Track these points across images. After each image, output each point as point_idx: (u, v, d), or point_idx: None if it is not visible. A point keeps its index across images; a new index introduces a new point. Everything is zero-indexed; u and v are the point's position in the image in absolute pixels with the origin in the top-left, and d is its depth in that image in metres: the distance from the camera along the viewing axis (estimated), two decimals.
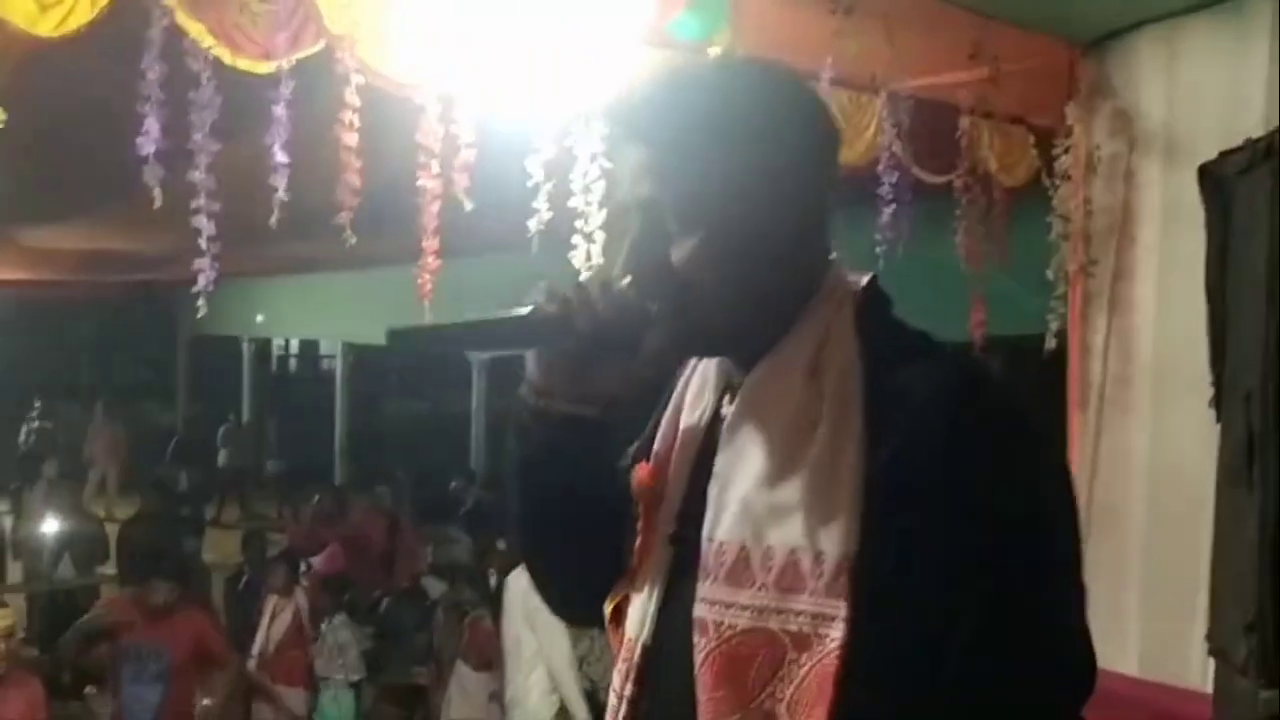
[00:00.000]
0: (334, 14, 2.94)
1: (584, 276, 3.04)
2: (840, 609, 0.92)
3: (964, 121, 3.72)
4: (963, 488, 0.91)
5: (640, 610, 1.07)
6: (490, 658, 5.80)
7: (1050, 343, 3.94)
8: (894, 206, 3.62)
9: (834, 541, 0.93)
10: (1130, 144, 3.81)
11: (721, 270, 1.00)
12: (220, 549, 9.06)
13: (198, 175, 2.49)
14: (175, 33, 2.57)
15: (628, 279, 1.03)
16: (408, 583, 7.23)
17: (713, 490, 1.01)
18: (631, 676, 1.06)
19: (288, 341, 21.01)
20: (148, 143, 2.37)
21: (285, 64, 2.89)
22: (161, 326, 14.33)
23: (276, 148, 2.51)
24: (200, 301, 2.57)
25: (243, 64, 2.87)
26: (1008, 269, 4.18)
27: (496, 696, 5.73)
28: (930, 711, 0.92)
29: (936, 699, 0.91)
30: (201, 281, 2.54)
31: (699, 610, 0.98)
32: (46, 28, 2.67)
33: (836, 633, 0.92)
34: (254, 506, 12.95)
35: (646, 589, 1.07)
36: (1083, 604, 0.97)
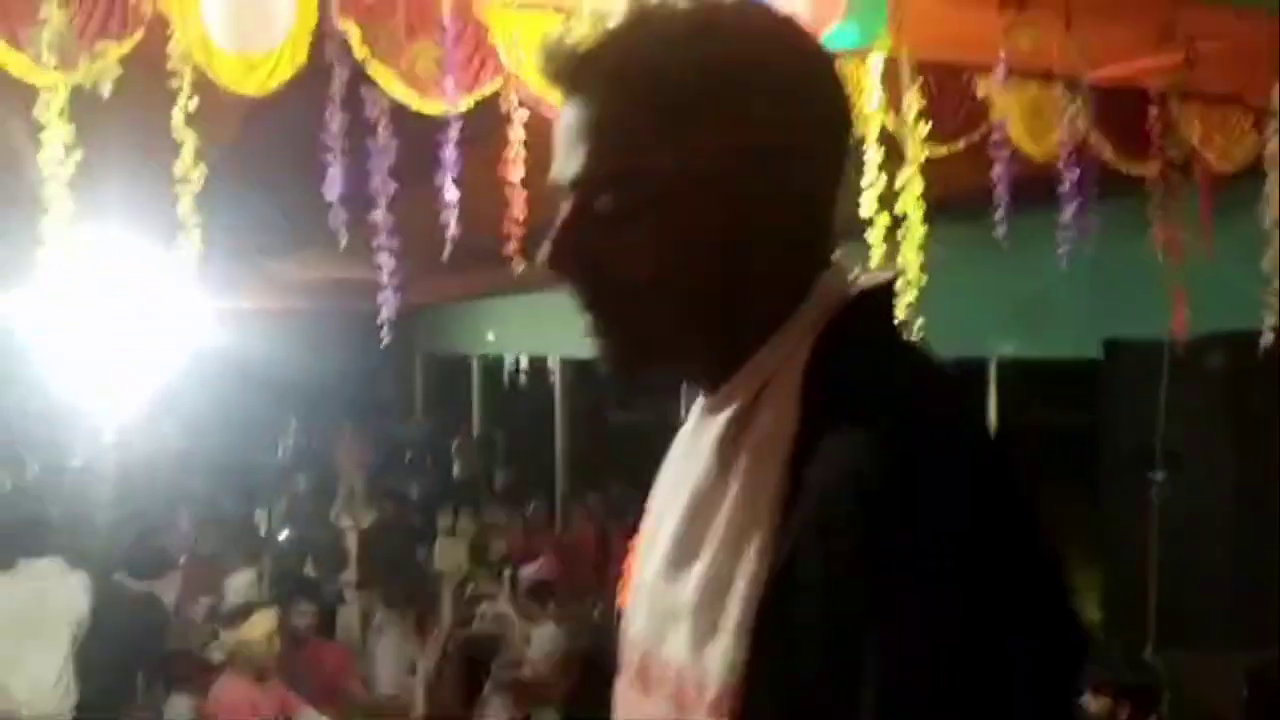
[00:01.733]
0: (509, 52, 3.11)
1: None
2: None
3: (1152, 111, 3.54)
4: (842, 619, 0.68)
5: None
6: None
7: (1267, 338, 3.67)
8: (1077, 202, 3.48)
9: (715, 665, 0.75)
10: None
11: (667, 274, 0.79)
12: (451, 557, 9.56)
13: (379, 215, 2.70)
14: (356, 85, 2.80)
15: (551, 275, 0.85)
16: (618, 591, 7.42)
17: (635, 564, 0.88)
18: None
19: (519, 358, 21.93)
20: (332, 189, 2.60)
21: (464, 105, 3.08)
22: (401, 346, 15.27)
23: (447, 185, 2.70)
24: (384, 332, 2.78)
25: (429, 108, 3.09)
26: (1217, 260, 3.92)
27: None
28: None
29: None
30: (385, 313, 2.75)
31: (618, 705, 0.85)
32: (252, 86, 2.96)
33: None
34: (486, 516, 13.57)
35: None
36: None
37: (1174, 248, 3.70)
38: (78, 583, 5.04)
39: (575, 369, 13.29)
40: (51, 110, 2.32)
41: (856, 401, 0.74)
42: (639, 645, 0.84)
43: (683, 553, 0.80)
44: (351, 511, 12.85)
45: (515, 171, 2.79)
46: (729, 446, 0.79)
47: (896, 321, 0.85)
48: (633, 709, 0.84)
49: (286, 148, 3.74)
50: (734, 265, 0.79)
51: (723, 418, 0.81)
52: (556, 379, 11.80)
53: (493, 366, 16.33)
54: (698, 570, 0.77)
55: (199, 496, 9.26)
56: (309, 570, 7.48)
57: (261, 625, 4.36)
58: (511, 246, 2.85)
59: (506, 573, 6.68)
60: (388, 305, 2.76)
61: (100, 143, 3.33)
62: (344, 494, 13.70)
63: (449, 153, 2.69)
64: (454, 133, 2.70)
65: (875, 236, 3.39)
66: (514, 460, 14.01)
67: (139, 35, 2.71)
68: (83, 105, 2.72)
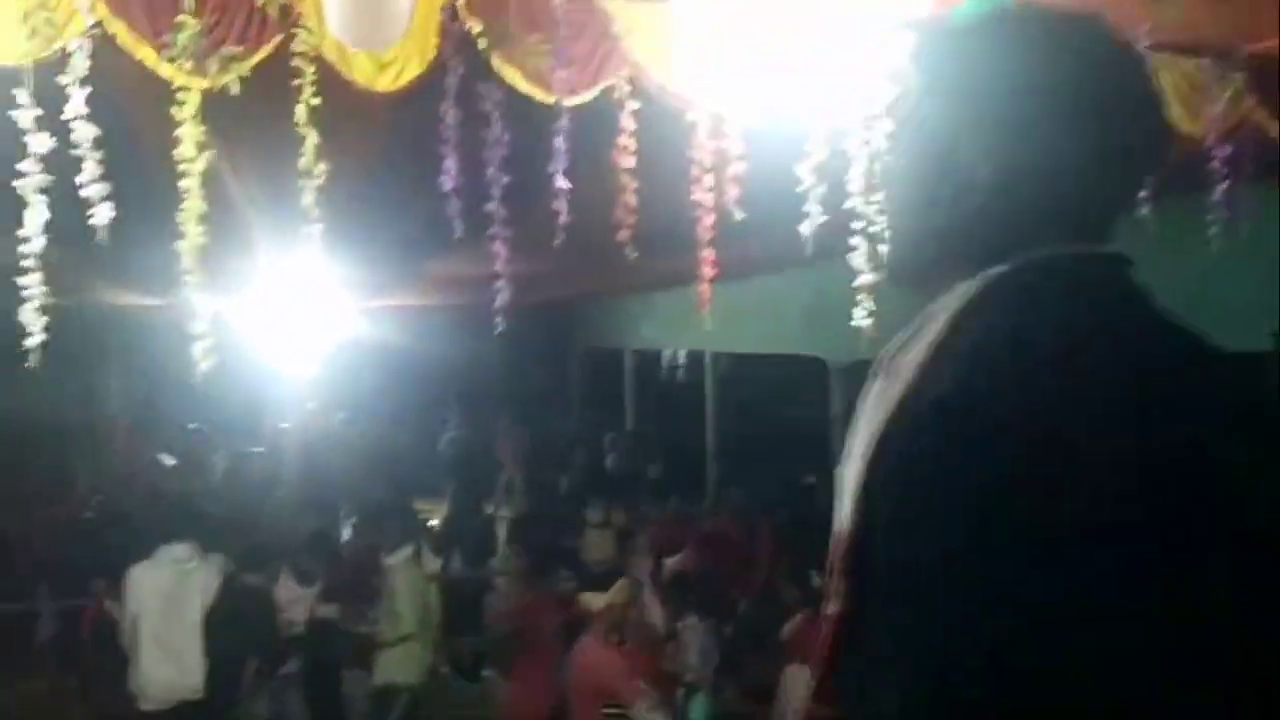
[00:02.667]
0: (633, 44, 3.13)
1: (862, 279, 3.04)
2: (841, 585, 0.96)
3: None
4: (897, 472, 0.90)
5: None
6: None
7: None
8: (1231, 182, 3.26)
9: (843, 519, 0.97)
10: None
11: (899, 208, 1.10)
12: (599, 548, 9.70)
13: (493, 206, 2.76)
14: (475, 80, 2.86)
15: None
16: (764, 586, 7.38)
17: None
18: None
19: (675, 353, 22.03)
20: (448, 180, 2.67)
21: (585, 95, 3.12)
22: (558, 341, 15.55)
23: (559, 176, 2.73)
24: (498, 319, 2.84)
25: (553, 99, 3.13)
26: None
27: None
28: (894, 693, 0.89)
29: (904, 684, 0.89)
30: (498, 301, 2.81)
31: None
32: (384, 83, 3.07)
33: (835, 608, 0.97)
34: (639, 509, 13.70)
35: None
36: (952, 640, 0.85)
37: None
38: (211, 569, 5.42)
39: (729, 363, 13.27)
40: (185, 110, 2.46)
41: (977, 334, 0.93)
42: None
43: (865, 439, 0.98)
44: (512, 503, 13.22)
45: (626, 160, 2.80)
46: (889, 366, 0.99)
47: (1079, 287, 0.96)
48: None
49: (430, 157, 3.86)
50: (946, 219, 1.00)
51: (893, 343, 1.01)
52: (707, 373, 11.80)
53: (648, 360, 16.49)
54: (862, 448, 0.98)
55: (361, 485, 9.66)
56: (456, 559, 7.71)
57: (623, 592, 4.63)
58: (623, 234, 2.86)
59: (650, 564, 6.72)
60: (501, 295, 2.82)
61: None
62: (502, 485, 14.09)
63: (559, 143, 2.73)
64: (565, 123, 2.74)
65: None
66: (667, 454, 14.07)
67: (276, 41, 2.84)
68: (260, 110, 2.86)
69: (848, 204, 2.90)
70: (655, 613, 6.20)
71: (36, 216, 2.47)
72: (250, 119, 3.30)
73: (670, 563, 6.97)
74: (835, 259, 4.32)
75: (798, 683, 6.07)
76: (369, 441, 12.95)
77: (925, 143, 1.02)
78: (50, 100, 2.49)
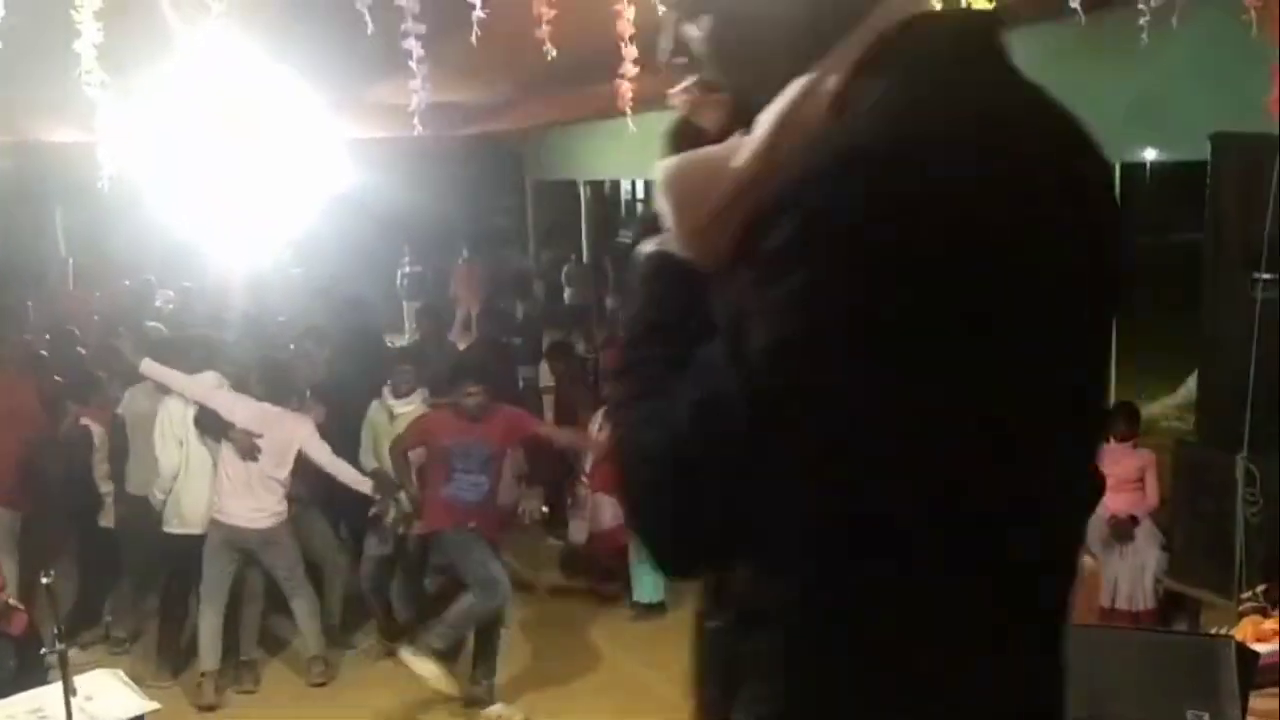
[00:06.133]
0: None
1: None
2: None
3: None
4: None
5: None
6: None
7: None
8: None
9: None
10: None
11: (729, 51, 1.04)
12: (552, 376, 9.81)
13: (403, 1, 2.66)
14: None
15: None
16: None
17: None
18: None
19: (634, 183, 21.65)
20: None
21: None
22: (510, 173, 15.29)
23: None
24: (415, 120, 2.77)
25: None
26: None
27: None
28: None
29: None
30: (414, 101, 2.74)
31: None
32: None
33: None
34: (599, 339, 13.78)
35: None
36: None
37: (1269, 16, 3.37)
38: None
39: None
40: None
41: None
42: None
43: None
44: (468, 337, 13.24)
45: None
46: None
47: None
48: None
49: None
50: (782, 30, 0.99)
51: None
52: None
53: (599, 192, 16.24)
54: None
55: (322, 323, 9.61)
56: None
57: None
58: (542, 31, 2.77)
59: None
60: (419, 95, 2.75)
61: None
62: (460, 320, 14.08)
63: None
64: None
65: None
66: (624, 284, 14.03)
67: None
68: None
69: None
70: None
71: None
72: None
73: None
74: None
75: None
76: (317, 280, 12.81)
77: None
78: None
